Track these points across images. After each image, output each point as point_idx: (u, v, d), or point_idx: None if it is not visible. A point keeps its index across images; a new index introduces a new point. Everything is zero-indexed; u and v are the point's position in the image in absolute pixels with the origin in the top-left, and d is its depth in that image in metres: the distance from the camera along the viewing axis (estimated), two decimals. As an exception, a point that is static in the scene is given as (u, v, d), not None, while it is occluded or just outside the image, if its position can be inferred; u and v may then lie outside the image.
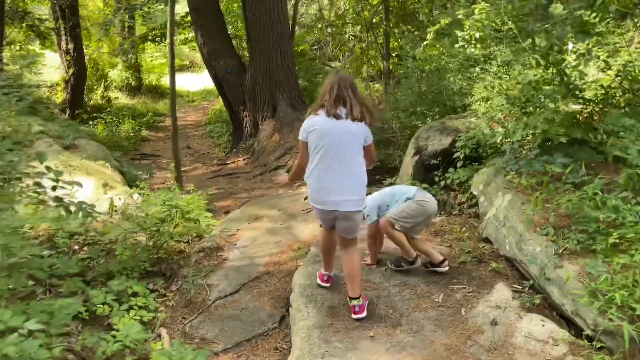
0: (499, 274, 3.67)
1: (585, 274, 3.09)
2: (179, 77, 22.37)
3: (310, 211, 5.08)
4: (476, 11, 7.92)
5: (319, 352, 2.97)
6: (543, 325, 3.06)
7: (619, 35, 4.95)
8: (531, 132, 4.29)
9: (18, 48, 13.47)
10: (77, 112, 13.71)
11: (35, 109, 11.47)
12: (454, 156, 4.94)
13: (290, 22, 11.36)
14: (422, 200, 3.63)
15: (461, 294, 3.50)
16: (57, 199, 4.04)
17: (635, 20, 5.30)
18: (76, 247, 4.61)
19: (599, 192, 3.44)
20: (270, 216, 5.33)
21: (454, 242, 4.22)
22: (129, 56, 17.57)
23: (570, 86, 4.59)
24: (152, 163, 11.49)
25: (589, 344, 2.84)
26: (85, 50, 15.45)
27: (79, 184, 4.16)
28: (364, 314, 3.26)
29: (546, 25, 5.04)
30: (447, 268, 3.70)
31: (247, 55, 10.76)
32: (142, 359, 3.05)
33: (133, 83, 18.14)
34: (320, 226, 3.56)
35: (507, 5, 6.10)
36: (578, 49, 5.02)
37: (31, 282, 3.88)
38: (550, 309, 3.27)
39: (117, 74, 17.93)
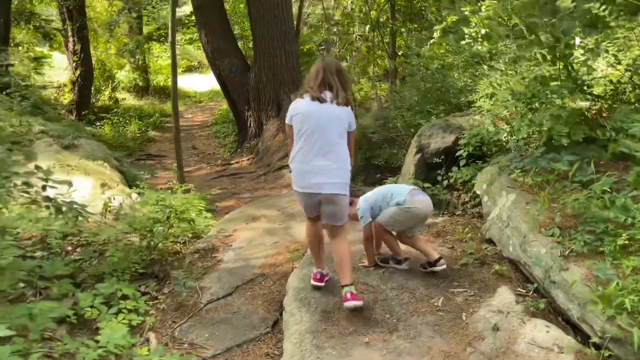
0: (502, 276, 3.51)
1: (592, 277, 2.92)
2: (186, 77, 22.64)
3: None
4: (483, 8, 7.76)
5: (311, 359, 2.84)
6: (547, 332, 2.90)
7: (630, 30, 4.76)
8: (536, 129, 4.12)
9: (25, 49, 13.50)
10: (83, 113, 13.72)
11: (42, 109, 11.52)
12: (457, 154, 4.78)
13: (295, 21, 11.26)
14: (411, 207, 3.49)
15: (462, 297, 3.34)
16: (47, 199, 3.96)
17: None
18: (69, 248, 4.52)
19: (608, 191, 3.27)
20: (269, 216, 5.20)
21: (456, 243, 4.06)
22: (137, 57, 17.61)
23: (578, 81, 4.41)
24: (157, 163, 11.46)
25: (596, 352, 2.68)
26: (93, 52, 15.49)
27: (70, 183, 4.07)
28: (360, 302, 3.13)
29: (553, 20, 4.87)
30: (444, 267, 3.56)
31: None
32: (127, 365, 2.94)
33: (140, 84, 18.16)
34: (307, 218, 3.47)
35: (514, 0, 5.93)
36: (586, 44, 4.85)
37: (21, 285, 3.81)
38: (556, 314, 3.10)
39: (124, 75, 17.97)
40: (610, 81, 4.53)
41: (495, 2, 7.41)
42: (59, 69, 15.89)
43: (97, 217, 4.76)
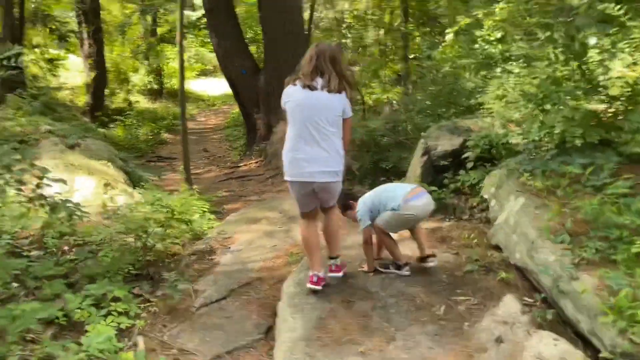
0: (508, 284, 3.32)
1: (604, 287, 2.72)
2: (201, 81, 22.71)
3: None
4: (497, 10, 7.58)
5: (301, 368, 2.69)
6: (555, 345, 2.70)
7: (646, 30, 4.55)
8: (548, 131, 3.93)
9: (40, 52, 13.64)
10: (97, 114, 13.80)
11: (55, 109, 11.60)
12: (465, 157, 4.60)
13: (306, 24, 11.17)
14: (408, 214, 3.35)
15: (465, 306, 3.16)
16: (41, 197, 3.90)
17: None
18: (66, 247, 4.45)
19: (623, 195, 3.08)
20: (270, 218, 5.08)
21: (461, 249, 3.88)
22: (150, 60, 17.71)
23: (593, 82, 4.22)
24: (167, 165, 11.46)
25: (607, 367, 2.49)
26: (108, 55, 15.61)
27: (64, 182, 4.01)
28: (340, 274, 3.37)
29: (569, 19, 4.70)
30: (434, 264, 3.50)
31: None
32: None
33: (155, 87, 18.25)
34: (301, 215, 3.41)
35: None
36: (602, 44, 4.66)
37: (15, 284, 3.74)
38: (564, 326, 2.90)
39: (139, 78, 18.08)
40: (627, 82, 4.32)
41: (509, 4, 7.25)
42: (74, 71, 16.06)
43: (93, 216, 4.72)
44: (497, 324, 2.94)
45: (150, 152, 12.77)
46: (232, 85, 10.79)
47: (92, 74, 14.03)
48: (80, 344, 2.80)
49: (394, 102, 10.80)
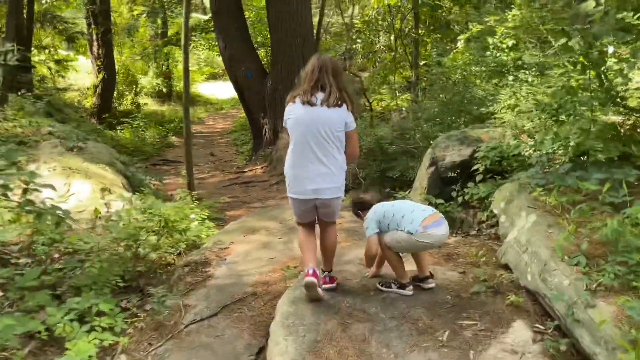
0: (518, 308, 3.09)
1: (624, 317, 2.49)
2: (210, 84, 22.62)
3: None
4: (509, 17, 7.37)
5: (291, 397, 2.49)
6: (569, 379, 2.48)
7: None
8: (562, 143, 3.71)
9: (48, 52, 13.61)
10: (104, 116, 13.74)
11: (62, 110, 11.53)
12: (474, 169, 4.38)
13: (315, 29, 11.01)
14: (424, 241, 3.13)
15: (471, 331, 2.93)
16: (28, 203, 3.74)
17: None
18: (56, 255, 4.28)
19: (644, 216, 2.85)
20: (270, 229, 4.88)
21: (468, 267, 3.65)
22: (160, 63, 17.67)
23: (611, 92, 3.99)
24: (172, 169, 11.34)
25: (627, 408, 2.25)
26: (117, 57, 15.57)
27: (53, 187, 3.85)
28: (334, 285, 3.34)
29: (585, 27, 4.48)
30: (432, 286, 3.31)
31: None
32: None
33: (164, 90, 18.20)
34: (299, 224, 3.40)
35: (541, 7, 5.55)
36: (620, 53, 4.44)
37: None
38: (579, 358, 2.67)
39: (147, 80, 18.04)
40: (647, 93, 4.10)
41: (522, 12, 7.03)
42: (83, 73, 16.04)
43: (85, 223, 4.56)
44: (506, 353, 2.71)
45: (156, 155, 12.67)
46: (238, 88, 10.65)
47: (100, 76, 13.98)
48: (54, 364, 2.62)
49: (403, 109, 10.59)
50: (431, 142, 6.69)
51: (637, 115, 4.11)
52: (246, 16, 11.72)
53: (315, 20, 11.82)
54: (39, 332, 3.16)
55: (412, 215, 3.18)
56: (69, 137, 6.75)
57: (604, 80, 3.99)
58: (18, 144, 6.78)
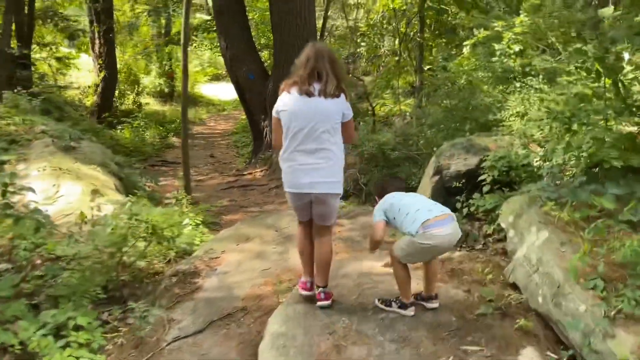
0: (528, 334, 2.85)
1: (646, 349, 2.26)
2: (212, 85, 22.43)
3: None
4: (517, 22, 7.14)
5: None
6: (584, 416, 2.25)
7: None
8: (574, 153, 3.48)
9: (49, 49, 13.44)
10: (104, 115, 13.55)
11: (61, 108, 11.32)
12: (480, 179, 4.15)
13: (319, 31, 10.81)
14: (426, 243, 2.85)
15: (476, 358, 2.70)
16: (6, 206, 3.53)
17: None
18: (38, 261, 4.06)
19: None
20: (265, 237, 4.65)
21: (473, 285, 3.40)
22: (163, 62, 17.50)
23: (628, 100, 3.76)
24: (170, 170, 11.12)
25: None
26: (120, 55, 15.38)
27: (32, 190, 3.64)
28: (328, 302, 3.13)
29: (598, 32, 4.26)
30: (435, 306, 3.09)
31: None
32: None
33: (166, 90, 18.03)
34: (299, 222, 3.27)
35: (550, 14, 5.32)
36: (636, 60, 4.22)
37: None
38: (595, 392, 2.44)
39: (150, 80, 17.87)
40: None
41: (530, 18, 6.79)
42: (85, 71, 15.88)
43: (72, 226, 4.34)
44: (514, 385, 2.48)
45: (155, 156, 12.47)
46: (239, 90, 10.44)
47: (102, 74, 13.80)
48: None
49: (406, 114, 10.38)
50: (434, 148, 6.48)
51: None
52: (250, 17, 11.54)
53: (319, 23, 11.62)
54: (13, 346, 2.95)
55: (416, 214, 2.89)
56: (62, 136, 6.53)
57: (620, 88, 3.77)
58: (10, 143, 6.57)
